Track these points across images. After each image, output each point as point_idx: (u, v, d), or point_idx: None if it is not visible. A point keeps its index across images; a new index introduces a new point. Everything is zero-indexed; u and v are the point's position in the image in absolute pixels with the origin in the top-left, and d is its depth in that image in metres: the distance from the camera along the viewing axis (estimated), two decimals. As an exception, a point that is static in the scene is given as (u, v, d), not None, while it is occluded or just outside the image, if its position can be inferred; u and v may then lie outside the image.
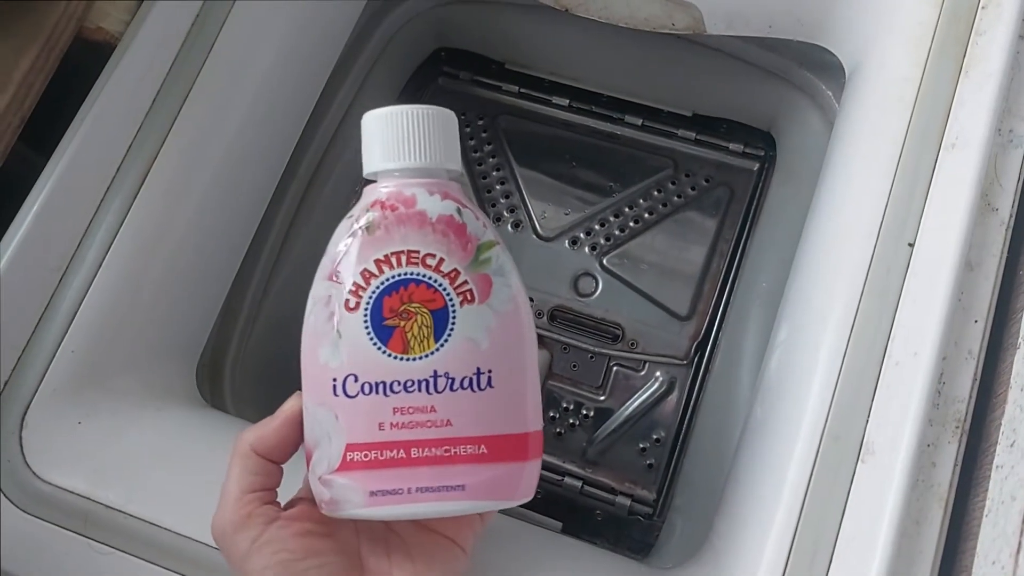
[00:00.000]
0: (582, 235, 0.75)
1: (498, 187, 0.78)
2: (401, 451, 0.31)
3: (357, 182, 0.77)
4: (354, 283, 0.32)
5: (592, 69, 0.79)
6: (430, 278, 0.32)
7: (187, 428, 0.51)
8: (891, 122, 0.48)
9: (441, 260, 0.32)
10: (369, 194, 0.33)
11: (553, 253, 0.75)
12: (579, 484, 0.68)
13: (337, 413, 0.32)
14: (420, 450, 0.31)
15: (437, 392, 0.31)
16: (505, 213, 0.77)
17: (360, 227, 0.32)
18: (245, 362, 0.63)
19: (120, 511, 0.45)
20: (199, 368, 0.57)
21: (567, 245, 0.75)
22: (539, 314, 0.72)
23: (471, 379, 0.32)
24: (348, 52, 0.68)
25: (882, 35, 0.52)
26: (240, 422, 0.53)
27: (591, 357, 0.72)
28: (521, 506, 0.59)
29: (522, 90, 0.81)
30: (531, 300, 0.73)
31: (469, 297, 0.32)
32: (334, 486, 0.32)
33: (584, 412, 0.70)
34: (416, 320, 0.32)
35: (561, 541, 0.50)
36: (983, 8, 0.49)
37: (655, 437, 0.69)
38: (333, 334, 0.32)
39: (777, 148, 0.76)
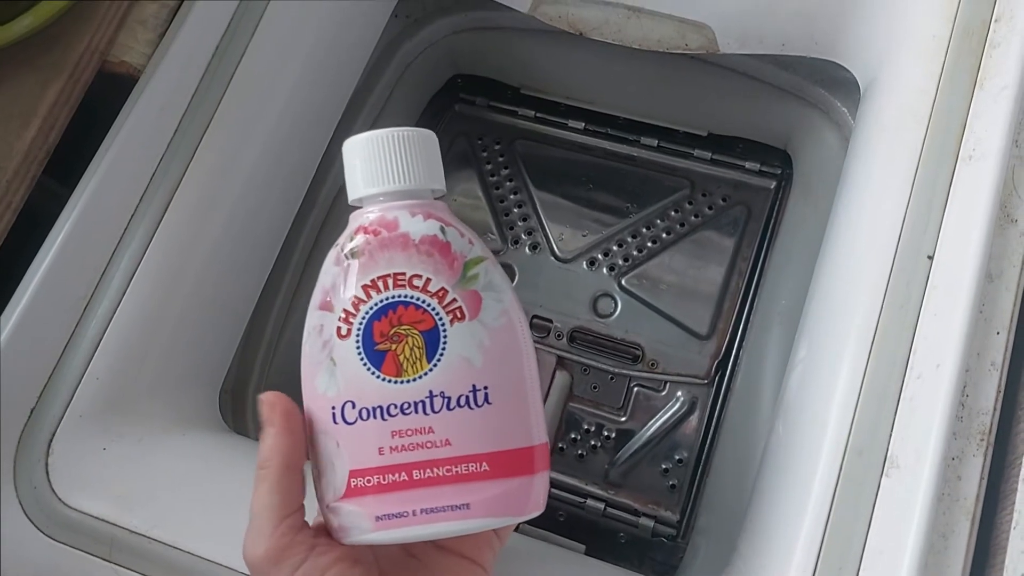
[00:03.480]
0: (600, 256, 0.76)
1: (516, 210, 0.79)
2: (403, 474, 0.31)
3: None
4: (344, 310, 0.32)
5: (607, 92, 0.80)
6: (418, 299, 0.32)
7: (211, 454, 0.51)
8: (907, 136, 0.48)
9: (428, 280, 0.32)
10: (354, 221, 0.34)
11: (571, 275, 0.75)
12: (602, 506, 0.68)
13: (338, 440, 0.32)
14: (422, 472, 0.31)
15: (434, 412, 0.31)
16: (523, 236, 0.77)
17: (346, 254, 0.32)
18: (267, 388, 0.64)
19: (145, 536, 0.45)
20: (222, 394, 0.58)
21: (585, 266, 0.75)
22: (559, 335, 0.73)
23: (467, 397, 0.32)
24: (366, 81, 0.69)
25: (896, 50, 0.52)
26: (262, 447, 0.53)
27: (611, 378, 0.71)
28: (544, 528, 0.59)
29: (538, 114, 0.82)
30: (550, 322, 0.73)
31: (459, 315, 0.32)
32: (341, 513, 0.32)
33: (605, 434, 0.70)
34: (407, 342, 0.32)
35: (585, 562, 0.50)
36: (996, 21, 0.49)
37: (677, 458, 0.69)
38: (328, 363, 0.32)
39: (793, 166, 0.76)
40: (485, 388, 0.32)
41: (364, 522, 0.32)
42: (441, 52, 0.79)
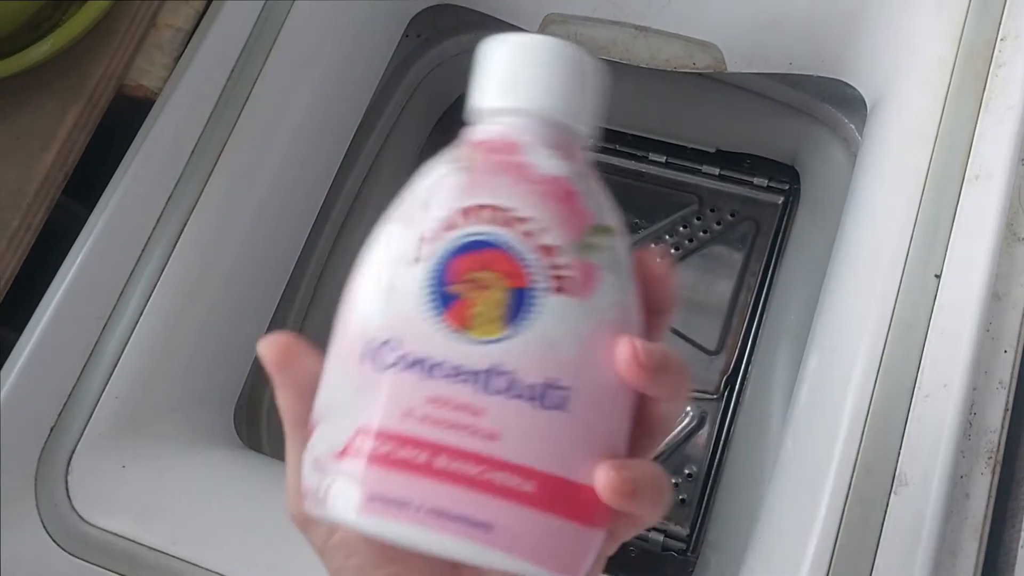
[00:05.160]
0: (609, 272, 0.76)
1: (525, 226, 0.79)
2: (424, 454, 0.23)
3: (387, 225, 0.79)
4: (425, 231, 0.24)
5: (615, 108, 0.80)
6: (518, 247, 0.24)
7: (226, 470, 0.52)
8: (914, 155, 0.49)
9: (539, 229, 0.24)
10: (468, 134, 0.27)
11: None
12: (612, 520, 0.68)
13: (359, 383, 0.24)
14: (449, 460, 0.23)
15: (490, 393, 0.23)
16: (533, 252, 0.78)
17: (445, 168, 0.25)
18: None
19: (164, 553, 0.46)
20: (236, 411, 0.58)
21: (595, 282, 0.76)
22: (569, 351, 0.73)
23: (539, 390, 0.23)
24: (376, 101, 0.70)
25: (902, 70, 0.53)
26: (277, 463, 0.54)
27: (621, 393, 0.72)
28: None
29: (546, 131, 0.82)
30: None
31: (565, 286, 0.24)
32: (328, 474, 0.24)
33: (616, 448, 0.70)
34: (487, 294, 0.24)
35: None
36: (1001, 40, 0.50)
37: (687, 472, 0.69)
38: (383, 285, 0.25)
39: (801, 182, 0.76)
40: (566, 389, 0.24)
41: (352, 495, 0.24)
42: (451, 71, 0.80)
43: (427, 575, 0.27)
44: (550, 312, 0.24)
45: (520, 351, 0.23)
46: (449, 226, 0.24)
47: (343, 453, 0.24)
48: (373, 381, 0.24)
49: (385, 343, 0.24)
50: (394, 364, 0.24)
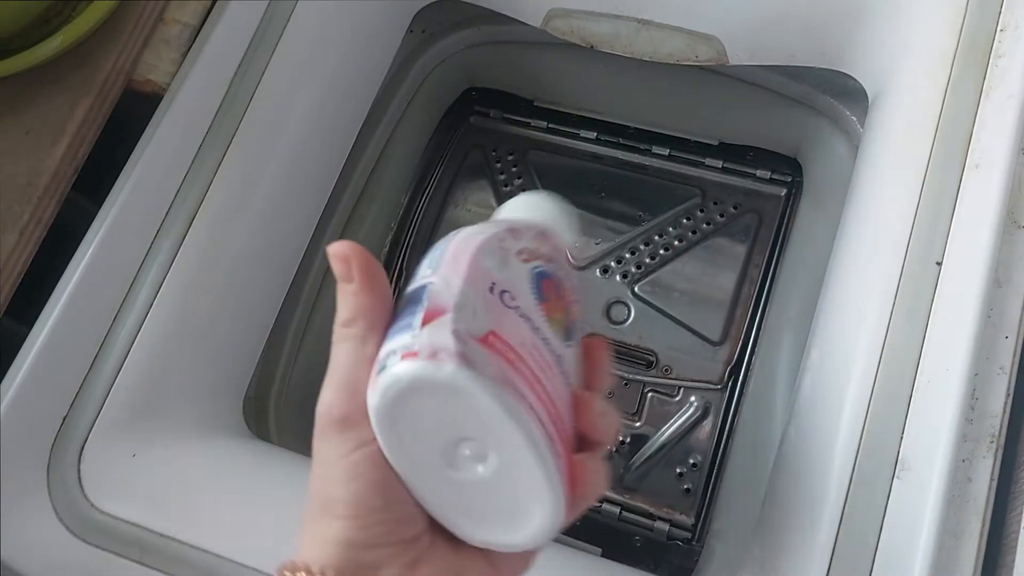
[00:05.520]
0: (613, 264, 0.77)
1: (530, 220, 0.80)
2: (532, 376, 0.30)
3: (393, 219, 0.79)
4: (529, 247, 0.33)
5: (619, 102, 0.81)
6: (572, 297, 0.34)
7: (235, 459, 0.52)
8: (915, 145, 0.49)
9: (575, 301, 0.34)
10: (529, 224, 0.36)
11: (585, 282, 0.76)
12: (617, 510, 0.69)
13: (488, 305, 0.31)
14: (544, 391, 0.30)
15: (560, 372, 0.31)
16: (537, 245, 0.78)
17: (540, 226, 0.36)
18: (288, 395, 0.65)
19: (174, 539, 0.46)
20: (245, 401, 0.59)
21: (599, 274, 0.77)
22: (573, 343, 0.73)
23: (572, 388, 0.32)
24: (383, 94, 0.71)
25: (903, 61, 0.53)
26: (285, 452, 0.54)
27: (625, 384, 0.72)
28: (560, 532, 0.58)
29: (551, 125, 0.83)
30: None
31: (577, 337, 0.34)
32: (469, 347, 0.29)
33: (621, 438, 0.71)
34: (561, 311, 0.33)
35: (603, 564, 0.51)
36: (1001, 31, 0.50)
37: (692, 462, 0.70)
38: (502, 257, 0.32)
39: (804, 173, 0.77)
40: (565, 411, 0.32)
41: (493, 371, 0.29)
42: (456, 66, 0.80)
43: (405, 528, 0.30)
44: (575, 347, 0.33)
45: (570, 359, 0.33)
46: (545, 256, 0.34)
47: (482, 340, 0.30)
48: (499, 310, 0.31)
49: (508, 291, 0.32)
50: (515, 308, 0.31)
